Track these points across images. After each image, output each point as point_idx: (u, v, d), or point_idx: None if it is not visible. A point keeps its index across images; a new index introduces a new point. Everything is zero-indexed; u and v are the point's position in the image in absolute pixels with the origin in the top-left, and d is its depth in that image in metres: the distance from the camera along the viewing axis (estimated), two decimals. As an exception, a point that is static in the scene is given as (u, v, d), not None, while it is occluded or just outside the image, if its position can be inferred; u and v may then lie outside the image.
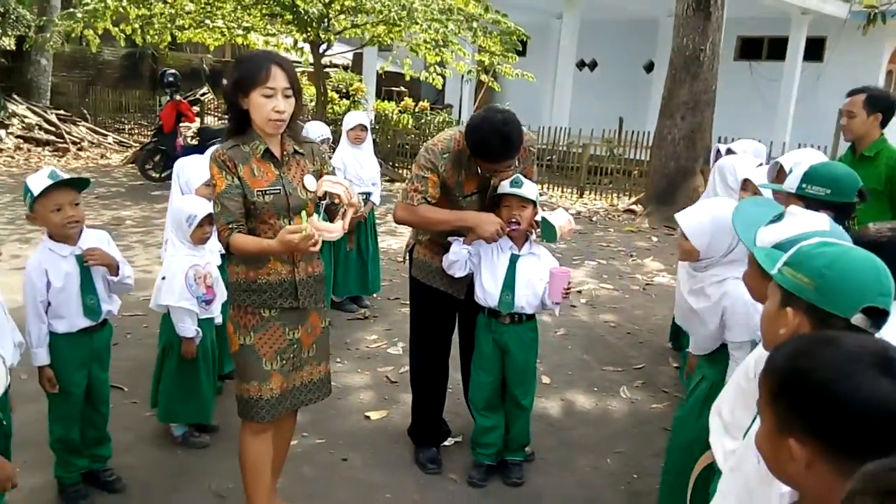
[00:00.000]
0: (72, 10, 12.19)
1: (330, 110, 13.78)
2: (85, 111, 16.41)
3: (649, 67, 18.47)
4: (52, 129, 14.62)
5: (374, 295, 6.29)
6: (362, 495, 3.49)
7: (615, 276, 7.74)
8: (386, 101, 16.60)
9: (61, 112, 15.53)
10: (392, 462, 3.79)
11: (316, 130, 5.35)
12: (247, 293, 2.84)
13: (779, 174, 3.57)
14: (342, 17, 12.10)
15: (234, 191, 2.74)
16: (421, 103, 16.33)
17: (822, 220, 1.96)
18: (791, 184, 2.73)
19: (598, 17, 17.22)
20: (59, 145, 14.17)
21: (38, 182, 2.97)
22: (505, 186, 3.44)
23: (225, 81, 2.82)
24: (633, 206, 11.45)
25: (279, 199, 2.79)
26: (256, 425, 2.92)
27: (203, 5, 12.38)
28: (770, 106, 16.20)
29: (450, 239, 3.54)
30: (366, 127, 5.80)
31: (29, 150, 13.71)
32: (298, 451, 3.82)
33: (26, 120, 14.33)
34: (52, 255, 3.07)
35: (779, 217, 1.99)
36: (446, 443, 3.95)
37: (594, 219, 10.67)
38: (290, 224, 2.84)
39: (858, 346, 1.29)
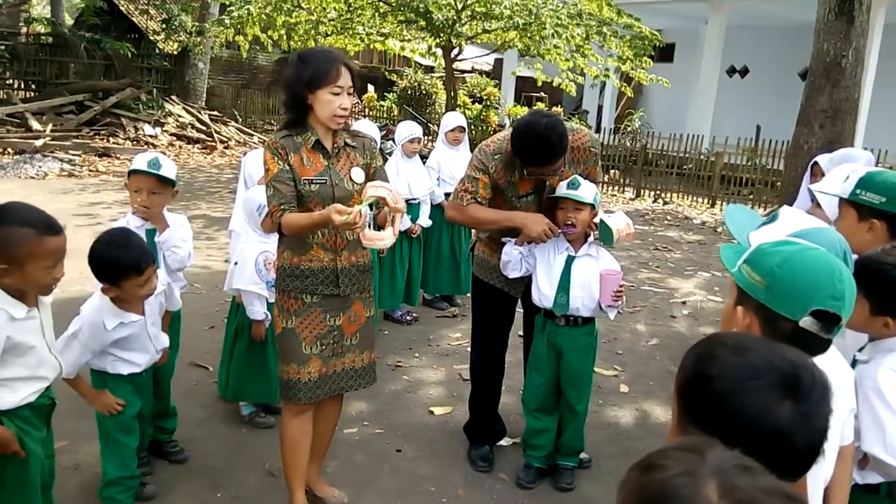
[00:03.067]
0: (222, 17, 13.04)
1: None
2: (236, 112, 17.47)
3: (805, 75, 17.46)
4: (204, 128, 15.69)
5: (468, 295, 6.33)
6: (407, 486, 3.54)
7: (726, 290, 7.38)
8: (520, 106, 16.67)
9: (214, 113, 16.65)
10: (444, 456, 3.82)
11: (407, 129, 5.47)
12: (290, 278, 2.97)
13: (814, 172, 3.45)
14: (474, 22, 12.28)
15: (285, 175, 2.88)
16: (554, 108, 16.27)
17: (815, 222, 1.83)
18: (845, 189, 2.54)
19: (748, 23, 16.50)
20: (208, 143, 15.17)
21: (138, 161, 3.35)
22: (561, 188, 3.41)
23: (288, 74, 2.97)
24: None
25: (325, 188, 2.91)
26: (295, 406, 3.05)
27: (344, 13, 12.93)
28: (945, 119, 14.92)
29: (503, 240, 3.54)
30: (464, 128, 5.88)
31: (180, 147, 14.78)
32: (356, 438, 3.93)
33: (181, 119, 15.47)
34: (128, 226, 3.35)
35: (772, 218, 1.88)
36: (503, 442, 3.94)
37: (719, 230, 10.22)
38: None
39: (766, 361, 1.22)
